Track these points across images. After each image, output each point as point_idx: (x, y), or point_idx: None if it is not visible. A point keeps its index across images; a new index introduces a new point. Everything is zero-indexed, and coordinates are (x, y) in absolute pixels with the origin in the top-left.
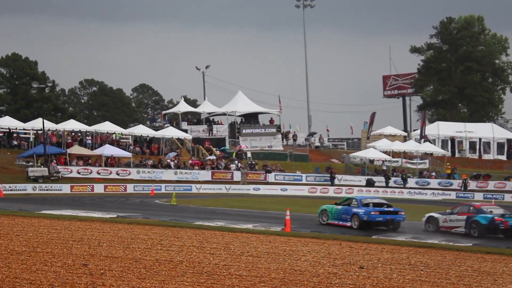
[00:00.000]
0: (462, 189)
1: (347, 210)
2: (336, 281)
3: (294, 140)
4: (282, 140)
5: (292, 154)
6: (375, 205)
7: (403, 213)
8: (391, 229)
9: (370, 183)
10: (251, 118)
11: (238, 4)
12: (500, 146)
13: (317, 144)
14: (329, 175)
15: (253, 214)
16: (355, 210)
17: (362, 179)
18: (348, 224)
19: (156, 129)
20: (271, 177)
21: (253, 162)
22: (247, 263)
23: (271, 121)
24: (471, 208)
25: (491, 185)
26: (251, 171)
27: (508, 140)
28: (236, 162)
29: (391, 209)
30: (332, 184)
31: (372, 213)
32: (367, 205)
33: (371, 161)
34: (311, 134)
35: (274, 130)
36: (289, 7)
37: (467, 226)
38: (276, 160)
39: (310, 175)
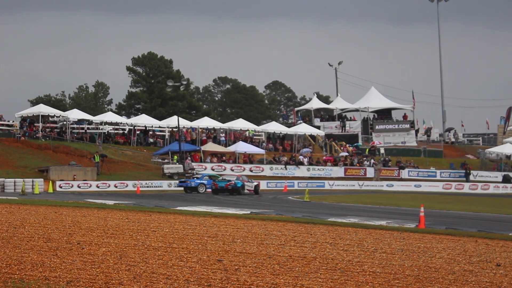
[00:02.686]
0: None
1: None
2: (472, 278)
3: (428, 135)
4: (416, 136)
5: (426, 150)
6: None
7: None
8: None
9: (506, 179)
10: (384, 114)
11: (370, 0)
12: None
13: (452, 139)
14: (464, 171)
15: (387, 210)
16: None
17: (498, 175)
18: None
19: (289, 126)
20: (404, 173)
21: (387, 158)
22: (380, 260)
23: (405, 116)
24: None
25: None
26: (384, 167)
27: None
28: (369, 158)
29: None
30: (467, 180)
31: None
32: None
33: (508, 157)
34: (448, 130)
35: (407, 126)
36: (422, 1)
37: None
38: (410, 156)
39: (444, 171)
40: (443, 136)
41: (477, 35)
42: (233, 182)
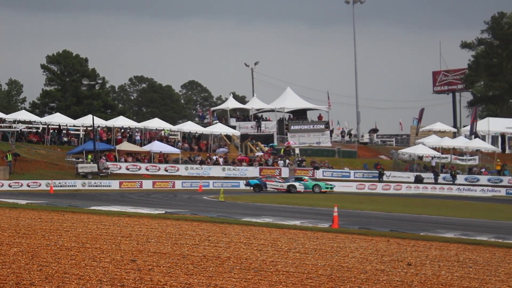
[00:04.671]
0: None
1: None
2: (384, 278)
3: (343, 136)
4: (331, 136)
5: (341, 151)
6: None
7: None
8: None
9: (419, 180)
10: (299, 115)
11: (287, 0)
12: None
13: (366, 140)
14: (377, 171)
15: (301, 210)
16: None
17: (410, 176)
18: None
19: (205, 125)
20: (319, 173)
21: (301, 159)
22: (294, 260)
23: (320, 117)
24: None
25: None
26: (299, 167)
27: None
28: (284, 158)
29: None
30: (381, 181)
31: None
32: None
33: (420, 158)
34: (373, 131)
35: (322, 126)
36: (338, 3)
37: None
38: (324, 156)
39: (358, 172)
40: (358, 137)
41: (392, 37)
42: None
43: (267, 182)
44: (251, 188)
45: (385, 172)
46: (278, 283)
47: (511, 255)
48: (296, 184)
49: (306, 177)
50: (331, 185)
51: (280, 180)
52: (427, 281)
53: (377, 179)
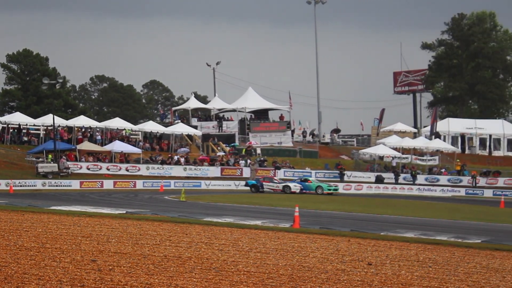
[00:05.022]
0: (472, 185)
1: None
2: (344, 277)
3: (304, 136)
4: (292, 136)
5: (302, 151)
6: None
7: None
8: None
9: (379, 180)
10: (261, 115)
11: (250, 0)
12: (510, 142)
13: (327, 140)
14: (338, 171)
15: (262, 210)
16: None
17: (371, 176)
18: None
19: (166, 125)
20: (280, 173)
21: (263, 159)
22: (255, 260)
23: (281, 117)
24: None
25: (501, 181)
26: (260, 167)
27: None
28: (246, 158)
29: None
30: (342, 181)
31: None
32: None
33: (381, 158)
34: (335, 131)
35: (284, 126)
36: (300, 3)
37: None
38: (286, 156)
39: (319, 172)
40: (319, 137)
41: (353, 38)
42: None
43: (264, 183)
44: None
45: (346, 172)
46: (239, 283)
47: (470, 255)
48: (291, 185)
49: (311, 178)
50: (334, 187)
51: (276, 181)
52: (387, 280)
53: (338, 179)
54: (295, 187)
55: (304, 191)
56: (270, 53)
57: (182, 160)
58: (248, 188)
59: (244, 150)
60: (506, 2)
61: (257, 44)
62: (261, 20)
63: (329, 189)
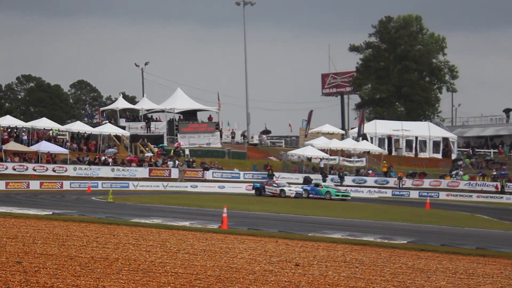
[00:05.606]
0: (398, 187)
1: None
2: (272, 278)
3: (233, 137)
4: (221, 137)
5: (230, 152)
6: None
7: None
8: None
9: (307, 181)
10: (189, 115)
11: (180, 0)
12: (436, 144)
13: (256, 141)
14: (266, 172)
15: (190, 211)
16: None
17: (299, 177)
18: None
19: (94, 125)
20: (208, 174)
21: (191, 159)
22: (183, 261)
23: (210, 118)
24: None
25: (427, 183)
26: (189, 168)
27: (444, 139)
28: (174, 159)
29: None
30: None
31: None
32: None
33: (309, 159)
34: (265, 132)
35: (212, 127)
36: (229, 4)
37: None
38: (214, 157)
39: (247, 173)
40: (247, 138)
41: (282, 39)
42: None
43: (265, 186)
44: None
45: (274, 173)
46: (167, 284)
47: (396, 256)
48: (286, 189)
49: (323, 183)
50: (343, 192)
51: (275, 185)
52: (315, 281)
53: (266, 180)
54: (289, 191)
55: (314, 195)
56: (199, 53)
57: (110, 160)
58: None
59: (172, 151)
60: (432, 6)
61: (186, 44)
62: (190, 21)
63: (337, 195)
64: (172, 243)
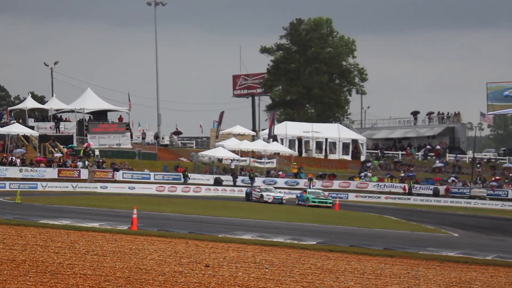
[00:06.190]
0: (308, 188)
1: None
2: (182, 279)
3: (143, 138)
4: (131, 138)
5: (141, 153)
6: None
7: None
8: None
9: (218, 182)
10: (99, 116)
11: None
12: (345, 146)
13: (166, 142)
14: (175, 173)
15: (100, 212)
16: None
17: (210, 178)
18: None
19: (2, 125)
20: (119, 175)
21: (101, 160)
22: (92, 262)
23: (120, 118)
24: None
25: (336, 184)
26: (99, 169)
27: (353, 141)
28: (84, 159)
29: None
30: (185, 183)
31: None
32: None
33: (220, 160)
34: (176, 133)
35: (123, 128)
36: (141, 5)
37: None
38: (125, 158)
39: (158, 174)
40: (158, 139)
41: (194, 40)
42: None
43: (252, 192)
44: None
45: (188, 174)
46: (75, 286)
47: (305, 256)
48: (265, 194)
49: (308, 190)
50: (320, 199)
51: (258, 190)
52: (224, 282)
53: (177, 181)
54: (267, 196)
55: (301, 202)
56: (110, 53)
57: (18, 161)
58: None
59: (82, 151)
60: (342, 9)
61: (97, 44)
62: (101, 20)
63: (314, 201)
64: (81, 244)
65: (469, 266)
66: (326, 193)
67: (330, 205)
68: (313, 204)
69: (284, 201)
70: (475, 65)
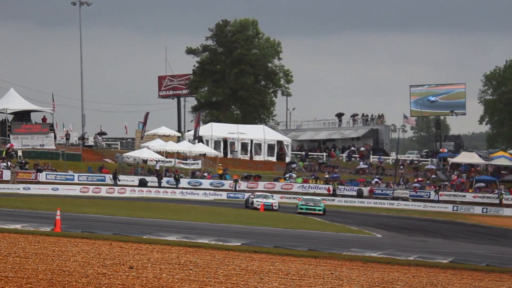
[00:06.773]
0: (233, 189)
1: None
2: (105, 281)
3: (67, 139)
4: (55, 139)
5: (65, 153)
6: None
7: None
8: None
9: (143, 183)
10: (23, 116)
11: None
12: (270, 147)
13: (91, 143)
14: (100, 174)
15: (22, 214)
16: None
17: (135, 179)
18: None
19: None
20: (42, 176)
21: (24, 161)
22: (13, 264)
23: (44, 119)
24: None
25: (261, 185)
26: (22, 170)
27: (278, 142)
28: (6, 160)
29: None
30: (116, 185)
31: None
32: None
33: (145, 161)
34: (101, 134)
35: (46, 128)
36: (65, 4)
37: None
38: (48, 159)
39: (82, 175)
40: (83, 140)
41: (119, 40)
42: None
43: (249, 198)
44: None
45: (118, 176)
46: None
47: (230, 257)
48: (254, 200)
49: (300, 197)
50: (311, 206)
51: (252, 196)
52: (148, 284)
53: (102, 182)
54: (257, 202)
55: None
56: (34, 53)
57: None
58: None
59: (4, 152)
60: (267, 10)
61: (20, 44)
62: (25, 20)
63: (301, 208)
64: (2, 246)
65: (392, 266)
66: (324, 200)
67: (320, 212)
68: (301, 211)
69: (275, 208)
70: (399, 68)
